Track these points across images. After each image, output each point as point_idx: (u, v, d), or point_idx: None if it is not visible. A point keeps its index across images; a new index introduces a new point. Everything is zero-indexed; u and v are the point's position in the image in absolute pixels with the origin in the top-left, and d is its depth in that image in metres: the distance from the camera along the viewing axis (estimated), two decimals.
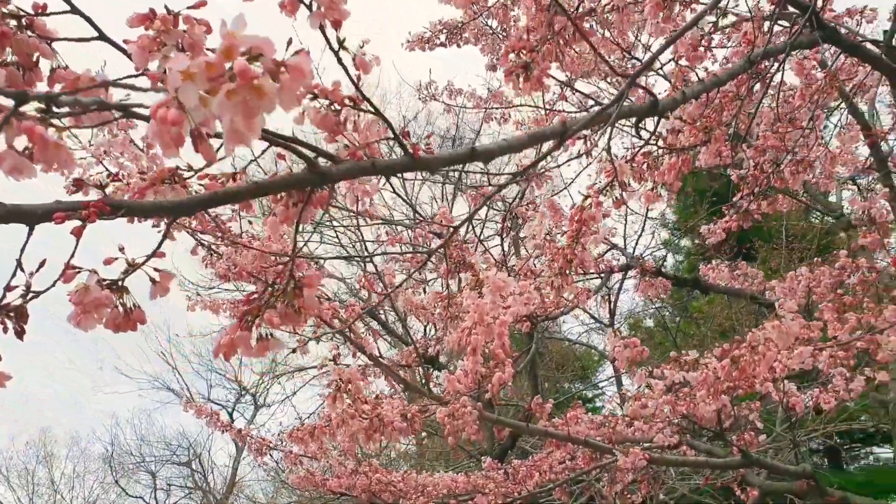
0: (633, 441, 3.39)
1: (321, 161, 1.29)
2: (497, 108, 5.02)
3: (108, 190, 1.43)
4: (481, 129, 7.09)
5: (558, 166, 3.98)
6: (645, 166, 2.00)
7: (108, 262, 1.13)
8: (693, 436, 4.00)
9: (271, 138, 1.26)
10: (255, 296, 1.28)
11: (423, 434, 12.34)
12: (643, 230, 7.11)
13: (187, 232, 3.27)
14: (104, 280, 1.11)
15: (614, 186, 1.94)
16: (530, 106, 4.79)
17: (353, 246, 10.11)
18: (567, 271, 2.01)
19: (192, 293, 4.82)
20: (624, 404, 2.64)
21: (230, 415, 18.01)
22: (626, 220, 5.99)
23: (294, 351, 2.00)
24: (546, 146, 1.68)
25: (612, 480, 3.51)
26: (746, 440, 3.41)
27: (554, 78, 4.80)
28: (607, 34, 2.45)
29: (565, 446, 3.43)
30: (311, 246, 10.44)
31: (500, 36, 4.92)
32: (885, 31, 2.67)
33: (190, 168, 1.27)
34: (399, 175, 1.62)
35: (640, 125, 1.84)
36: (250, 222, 3.16)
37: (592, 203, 1.89)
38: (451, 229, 1.79)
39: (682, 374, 2.27)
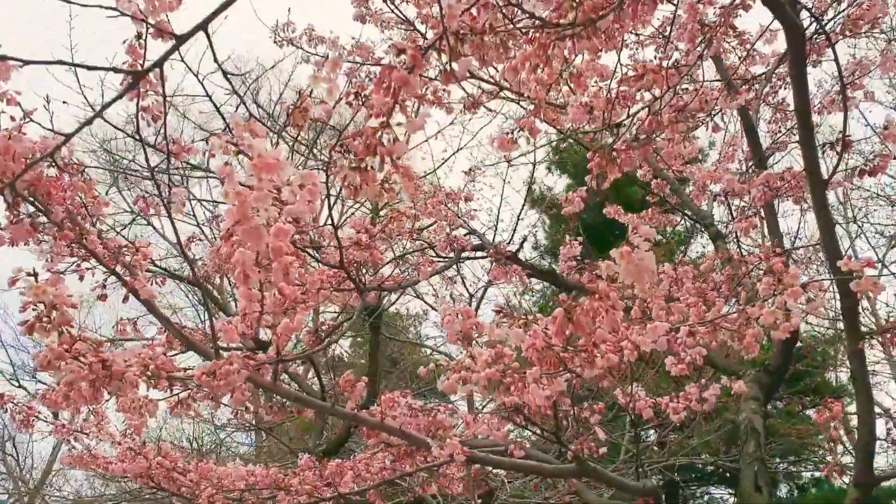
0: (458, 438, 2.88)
1: None
2: (361, 64, 4.44)
3: None
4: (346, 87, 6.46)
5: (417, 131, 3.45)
6: (493, 39, 1.49)
7: None
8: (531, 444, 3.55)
9: None
10: None
11: (264, 435, 11.44)
12: (513, 237, 6.76)
13: None
14: None
15: (442, 48, 1.41)
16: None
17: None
18: (368, 164, 1.45)
19: None
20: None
21: None
22: (496, 226, 5.62)
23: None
24: None
25: (428, 482, 2.98)
26: (585, 447, 2.97)
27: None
28: None
29: (378, 436, 2.86)
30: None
31: None
32: None
33: None
34: None
35: None
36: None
37: (409, 59, 1.35)
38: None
39: (505, 332, 1.76)
